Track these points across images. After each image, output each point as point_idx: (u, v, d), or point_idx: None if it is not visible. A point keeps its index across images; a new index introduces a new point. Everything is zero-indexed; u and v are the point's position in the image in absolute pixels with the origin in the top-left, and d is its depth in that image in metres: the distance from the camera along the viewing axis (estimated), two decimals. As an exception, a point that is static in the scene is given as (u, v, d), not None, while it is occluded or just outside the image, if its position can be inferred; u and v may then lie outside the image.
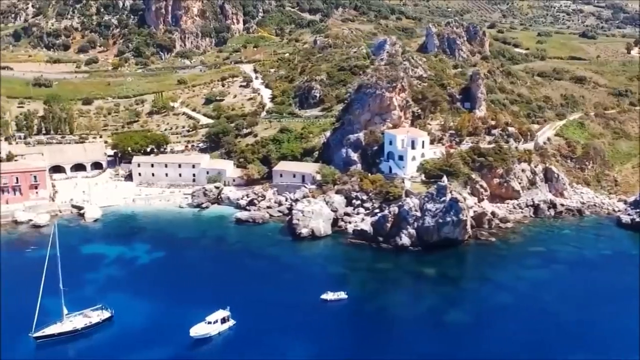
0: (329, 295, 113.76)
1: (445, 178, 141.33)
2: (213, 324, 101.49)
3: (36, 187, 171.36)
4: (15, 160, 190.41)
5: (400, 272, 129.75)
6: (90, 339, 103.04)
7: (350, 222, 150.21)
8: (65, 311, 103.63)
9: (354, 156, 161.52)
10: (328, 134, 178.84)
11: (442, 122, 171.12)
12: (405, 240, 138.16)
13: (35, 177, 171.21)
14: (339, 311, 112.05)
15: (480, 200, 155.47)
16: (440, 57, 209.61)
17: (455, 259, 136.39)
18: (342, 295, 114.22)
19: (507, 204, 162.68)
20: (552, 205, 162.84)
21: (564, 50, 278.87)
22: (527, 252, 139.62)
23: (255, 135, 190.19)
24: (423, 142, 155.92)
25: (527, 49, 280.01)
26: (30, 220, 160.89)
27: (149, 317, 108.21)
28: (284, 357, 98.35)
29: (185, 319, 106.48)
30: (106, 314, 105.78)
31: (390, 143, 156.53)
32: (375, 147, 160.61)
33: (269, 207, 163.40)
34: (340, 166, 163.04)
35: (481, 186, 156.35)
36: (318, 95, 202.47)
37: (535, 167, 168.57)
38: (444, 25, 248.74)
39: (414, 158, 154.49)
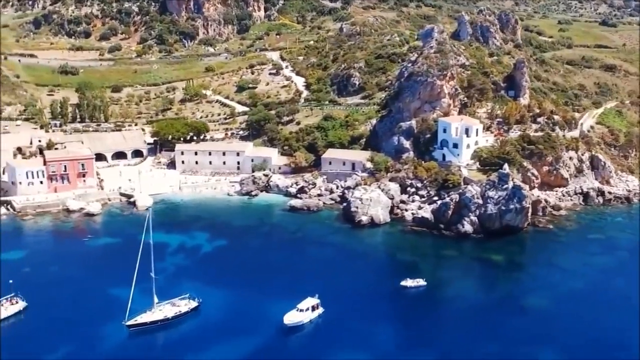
0: (408, 282, 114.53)
1: (506, 166, 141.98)
2: (305, 312, 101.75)
3: (84, 176, 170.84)
4: (56, 149, 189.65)
5: (468, 259, 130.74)
6: (180, 328, 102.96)
7: (406, 210, 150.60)
8: (155, 300, 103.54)
9: (406, 144, 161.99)
10: (374, 121, 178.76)
11: (489, 110, 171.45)
12: (467, 227, 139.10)
13: (83, 165, 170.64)
14: (420, 298, 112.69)
15: (531, 188, 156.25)
16: (477, 46, 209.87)
17: (519, 246, 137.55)
18: (421, 282, 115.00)
19: (556, 191, 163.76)
20: (600, 192, 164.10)
21: (588, 38, 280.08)
22: (586, 239, 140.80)
23: (298, 123, 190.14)
24: (477, 130, 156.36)
25: (551, 37, 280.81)
26: (82, 208, 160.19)
27: (234, 306, 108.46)
28: (376, 344, 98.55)
29: (271, 307, 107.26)
30: (193, 303, 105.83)
31: (445, 131, 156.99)
32: (428, 135, 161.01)
33: (319, 195, 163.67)
34: (391, 154, 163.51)
35: (532, 174, 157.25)
36: (357, 82, 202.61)
37: (582, 155, 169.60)
38: (477, 13, 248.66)
39: (468, 146, 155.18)
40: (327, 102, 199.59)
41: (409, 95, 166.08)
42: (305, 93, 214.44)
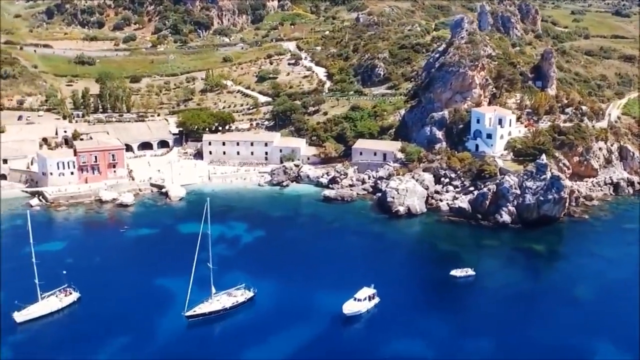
0: (458, 272, 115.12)
1: (544, 156, 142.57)
2: (362, 302, 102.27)
3: (114, 166, 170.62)
4: (81, 140, 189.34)
5: (510, 249, 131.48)
6: (238, 318, 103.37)
7: (441, 200, 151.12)
8: (213, 290, 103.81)
9: (439, 134, 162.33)
10: (403, 112, 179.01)
11: (519, 101, 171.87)
12: (505, 217, 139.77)
13: (113, 155, 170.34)
14: (470, 287, 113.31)
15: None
16: (500, 36, 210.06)
17: (557, 236, 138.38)
18: (470, 271, 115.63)
19: (586, 182, 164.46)
20: (630, 183, 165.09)
21: (603, 28, 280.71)
22: (623, 229, 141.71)
23: (326, 113, 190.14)
24: (510, 120, 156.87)
25: (566, 27, 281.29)
26: (115, 199, 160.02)
27: (289, 296, 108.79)
28: (432, 334, 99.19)
29: (325, 296, 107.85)
30: (249, 294, 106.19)
31: (478, 121, 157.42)
32: (461, 126, 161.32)
33: (351, 185, 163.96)
34: (423, 144, 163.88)
35: (564, 164, 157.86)
36: (382, 73, 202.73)
37: (611, 145, 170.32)
38: (497, 3, 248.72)
39: (502, 136, 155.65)
40: (352, 93, 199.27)
41: (440, 86, 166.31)
42: (327, 83, 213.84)
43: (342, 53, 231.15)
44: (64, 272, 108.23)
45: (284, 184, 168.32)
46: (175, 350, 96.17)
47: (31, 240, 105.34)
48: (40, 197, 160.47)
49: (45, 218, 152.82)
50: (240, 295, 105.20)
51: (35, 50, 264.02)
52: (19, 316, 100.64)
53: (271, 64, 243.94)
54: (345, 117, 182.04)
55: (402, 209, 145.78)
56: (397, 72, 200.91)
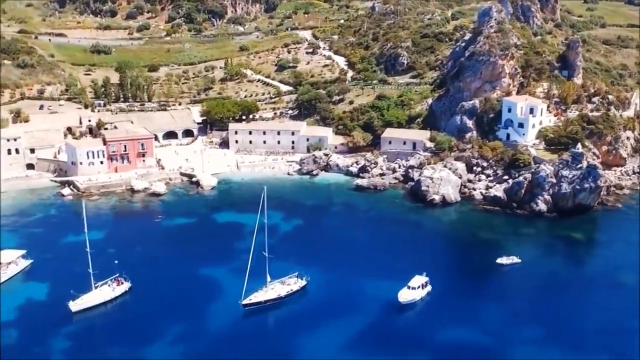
0: (504, 260, 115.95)
1: (579, 145, 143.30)
2: (416, 290, 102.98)
3: (143, 155, 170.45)
4: (105, 129, 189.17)
5: (549, 237, 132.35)
6: (293, 307, 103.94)
7: (474, 189, 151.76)
8: (268, 278, 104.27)
9: (469, 123, 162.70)
10: (430, 101, 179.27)
11: (546, 90, 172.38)
12: (541, 206, 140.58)
13: (142, 144, 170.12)
14: (517, 274, 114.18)
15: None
16: (522, 25, 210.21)
17: (593, 224, 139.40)
18: (516, 259, 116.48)
19: (614, 171, 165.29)
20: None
21: (617, 17, 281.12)
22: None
23: (351, 102, 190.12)
24: (542, 109, 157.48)
25: (580, 16, 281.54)
26: (146, 188, 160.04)
27: (340, 284, 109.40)
28: (485, 321, 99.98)
29: (377, 285, 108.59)
30: (302, 282, 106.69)
31: (510, 110, 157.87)
32: (492, 115, 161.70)
33: (382, 174, 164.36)
34: (453, 133, 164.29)
35: (594, 153, 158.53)
36: (406, 62, 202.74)
37: (638, 134, 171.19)
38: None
39: (533, 125, 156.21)
40: (375, 82, 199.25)
41: (470, 75, 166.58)
42: (349, 72, 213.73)
43: (362, 42, 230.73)
44: (116, 261, 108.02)
45: (314, 172, 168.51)
46: (233, 338, 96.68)
47: (85, 230, 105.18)
48: (72, 187, 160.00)
49: (80, 208, 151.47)
50: (294, 283, 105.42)
51: (50, 39, 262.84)
52: (74, 305, 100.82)
53: (289, 52, 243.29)
54: (371, 106, 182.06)
55: (437, 198, 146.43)
56: (420, 61, 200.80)
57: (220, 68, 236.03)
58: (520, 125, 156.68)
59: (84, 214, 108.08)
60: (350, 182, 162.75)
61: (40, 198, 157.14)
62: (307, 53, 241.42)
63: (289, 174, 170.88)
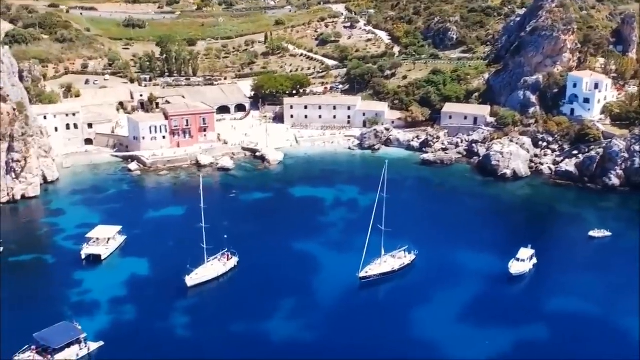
0: (596, 233, 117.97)
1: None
2: (525, 262, 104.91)
3: (205, 130, 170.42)
4: (157, 104, 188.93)
5: (628, 211, 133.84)
6: (405, 279, 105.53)
7: (542, 164, 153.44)
8: (382, 252, 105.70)
9: (533, 98, 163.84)
10: (486, 76, 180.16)
11: (604, 66, 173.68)
12: (614, 180, 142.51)
13: (204, 119, 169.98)
14: (610, 247, 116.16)
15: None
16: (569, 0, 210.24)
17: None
18: (607, 232, 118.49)
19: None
20: None
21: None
22: None
23: (405, 77, 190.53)
24: (606, 84, 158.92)
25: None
26: (212, 163, 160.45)
27: (445, 257, 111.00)
28: (590, 293, 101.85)
29: (480, 257, 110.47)
30: (412, 256, 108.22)
31: (575, 86, 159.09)
32: (556, 90, 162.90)
33: (444, 149, 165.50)
34: (515, 108, 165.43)
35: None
36: (455, 37, 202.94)
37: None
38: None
39: (599, 101, 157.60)
40: (424, 56, 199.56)
41: (532, 50, 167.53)
42: (395, 47, 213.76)
43: (403, 16, 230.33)
44: (225, 236, 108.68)
45: (376, 147, 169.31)
46: (352, 311, 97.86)
47: (202, 205, 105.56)
48: (137, 162, 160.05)
49: (152, 183, 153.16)
50: (404, 257, 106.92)
51: (81, 13, 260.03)
52: (190, 280, 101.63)
53: (327, 27, 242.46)
54: (427, 81, 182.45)
55: (508, 172, 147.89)
56: (470, 35, 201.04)
57: (260, 42, 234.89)
58: (586, 100, 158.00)
59: (201, 190, 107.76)
60: (414, 156, 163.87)
61: (108, 173, 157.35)
62: (345, 27, 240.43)
63: (350, 148, 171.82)
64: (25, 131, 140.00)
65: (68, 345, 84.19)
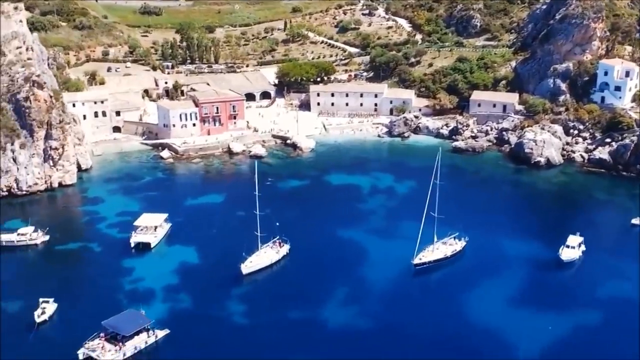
0: (638, 221, 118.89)
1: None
2: (575, 248, 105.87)
3: (234, 117, 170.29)
4: (181, 91, 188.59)
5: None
6: (457, 265, 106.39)
7: (573, 151, 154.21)
8: (435, 239, 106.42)
9: (563, 86, 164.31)
10: (513, 63, 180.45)
11: (631, 54, 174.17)
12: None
13: (234, 106, 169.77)
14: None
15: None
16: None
17: None
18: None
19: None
20: None
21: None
22: None
23: (431, 65, 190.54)
24: (637, 72, 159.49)
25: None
26: (244, 150, 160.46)
27: (495, 243, 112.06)
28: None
29: (528, 244, 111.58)
30: (462, 242, 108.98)
31: (606, 74, 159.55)
32: (586, 78, 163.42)
33: (474, 137, 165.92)
34: (545, 96, 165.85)
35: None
36: (479, 24, 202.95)
37: None
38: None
39: (630, 89, 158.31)
40: (448, 44, 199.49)
41: (562, 38, 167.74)
42: (417, 35, 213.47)
43: (423, 3, 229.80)
44: (277, 223, 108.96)
45: (405, 135, 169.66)
46: (408, 297, 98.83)
47: (257, 192, 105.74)
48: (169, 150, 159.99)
49: (185, 171, 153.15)
50: (455, 243, 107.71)
51: (97, 0, 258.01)
52: (245, 268, 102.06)
53: (344, 14, 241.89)
54: (453, 69, 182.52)
55: (542, 160, 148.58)
56: (494, 23, 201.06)
57: (279, 29, 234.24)
58: (617, 88, 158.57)
59: (256, 177, 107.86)
60: (444, 144, 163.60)
61: (140, 161, 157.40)
62: (363, 15, 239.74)
63: (379, 136, 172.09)
64: (63, 118, 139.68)
65: (137, 333, 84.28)
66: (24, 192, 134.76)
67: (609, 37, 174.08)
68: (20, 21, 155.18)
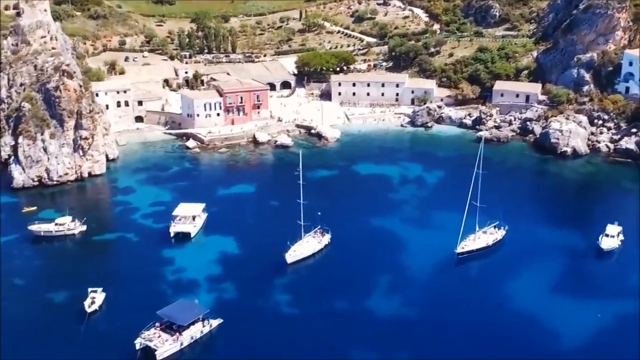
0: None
1: None
2: (615, 238, 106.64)
3: (258, 107, 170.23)
4: (201, 81, 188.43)
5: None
6: (498, 254, 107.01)
7: (598, 141, 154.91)
8: (477, 228, 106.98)
9: (587, 76, 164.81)
10: (535, 53, 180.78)
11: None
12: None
13: (258, 96, 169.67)
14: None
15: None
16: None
17: None
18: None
19: None
20: None
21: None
22: None
23: (451, 55, 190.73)
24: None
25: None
26: (270, 140, 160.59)
27: (534, 232, 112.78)
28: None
29: (566, 233, 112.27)
30: (503, 231, 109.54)
31: (630, 64, 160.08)
32: (610, 68, 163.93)
33: (497, 127, 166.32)
34: (568, 86, 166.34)
35: None
36: (498, 14, 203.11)
37: None
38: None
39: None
40: (467, 33, 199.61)
41: (586, 28, 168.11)
42: (435, 25, 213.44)
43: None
44: (319, 213, 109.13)
45: (429, 124, 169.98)
46: (452, 286, 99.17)
47: (300, 182, 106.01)
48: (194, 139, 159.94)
49: (212, 160, 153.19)
50: (496, 232, 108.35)
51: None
52: (289, 257, 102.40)
53: (359, 3, 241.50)
54: (474, 59, 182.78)
55: (568, 150, 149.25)
56: (514, 12, 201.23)
57: (294, 19, 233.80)
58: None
59: (300, 167, 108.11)
60: (468, 134, 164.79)
61: (165, 151, 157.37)
62: (378, 4, 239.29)
63: (402, 125, 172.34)
64: (92, 108, 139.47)
65: (192, 323, 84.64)
66: (55, 182, 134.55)
67: (631, 27, 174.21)
68: (45, 10, 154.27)
